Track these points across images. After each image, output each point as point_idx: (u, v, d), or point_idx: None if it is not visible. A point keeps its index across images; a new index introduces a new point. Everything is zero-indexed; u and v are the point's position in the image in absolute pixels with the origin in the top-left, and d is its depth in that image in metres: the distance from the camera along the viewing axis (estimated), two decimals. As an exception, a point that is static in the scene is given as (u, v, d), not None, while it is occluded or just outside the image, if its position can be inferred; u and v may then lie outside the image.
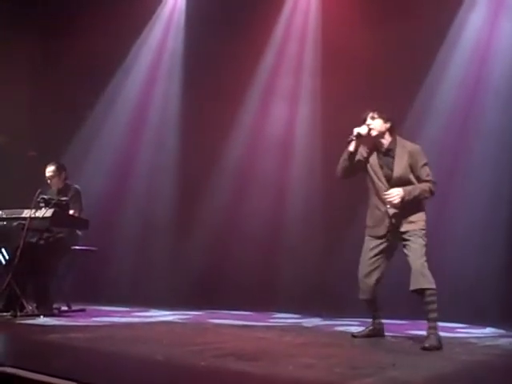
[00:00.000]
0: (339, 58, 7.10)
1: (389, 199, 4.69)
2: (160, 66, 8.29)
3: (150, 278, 7.80)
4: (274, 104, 7.70)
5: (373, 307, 5.07)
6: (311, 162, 7.37)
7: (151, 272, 7.89)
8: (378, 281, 4.91)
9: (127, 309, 6.85)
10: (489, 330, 5.68)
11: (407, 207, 4.74)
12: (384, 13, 6.86)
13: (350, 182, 5.30)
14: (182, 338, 4.89)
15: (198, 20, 7.95)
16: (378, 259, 4.88)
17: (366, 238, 4.95)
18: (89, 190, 6.79)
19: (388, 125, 4.85)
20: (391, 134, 4.88)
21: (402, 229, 4.76)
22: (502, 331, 5.61)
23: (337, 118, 6.84)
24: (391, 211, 4.76)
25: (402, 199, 4.67)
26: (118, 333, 5.08)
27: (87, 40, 7.97)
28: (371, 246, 4.89)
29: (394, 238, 4.82)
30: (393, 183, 4.77)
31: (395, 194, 4.67)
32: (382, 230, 4.84)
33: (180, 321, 6.08)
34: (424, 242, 4.70)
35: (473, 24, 6.71)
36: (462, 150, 6.57)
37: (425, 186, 4.75)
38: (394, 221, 4.77)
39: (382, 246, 4.87)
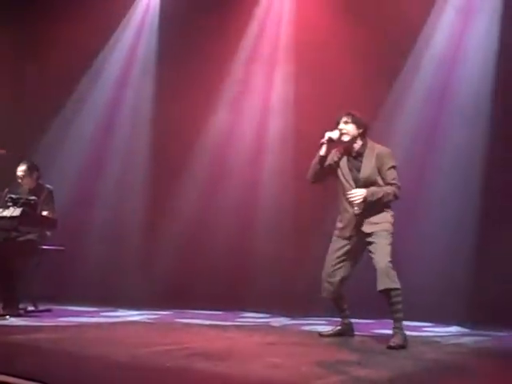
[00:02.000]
0: (312, 61, 7.13)
1: (351, 199, 4.73)
2: (133, 63, 8.23)
3: (118, 278, 7.74)
4: (247, 103, 7.70)
5: (339, 306, 5.11)
6: (283, 163, 7.38)
7: (120, 272, 7.83)
8: (342, 281, 4.94)
9: (95, 309, 6.80)
10: (454, 329, 5.77)
11: (372, 209, 4.78)
12: (357, 16, 6.91)
13: (320, 183, 5.34)
14: (148, 338, 4.87)
15: (171, 18, 7.91)
16: (344, 259, 4.92)
17: (334, 238, 5.00)
18: (59, 188, 6.72)
19: (360, 130, 4.87)
20: (362, 139, 4.90)
21: (367, 230, 4.81)
22: (466, 330, 5.71)
23: (309, 119, 6.87)
24: (356, 210, 4.80)
25: (365, 199, 4.70)
26: (84, 333, 5.04)
27: (58, 37, 7.88)
28: (338, 247, 4.94)
29: (360, 240, 4.86)
30: (359, 185, 4.81)
31: (358, 194, 4.71)
32: (348, 232, 4.89)
33: (148, 321, 6.06)
34: (388, 242, 4.73)
35: (443, 26, 6.78)
36: (431, 151, 6.64)
37: (389, 189, 4.77)
38: (359, 222, 4.81)
39: (347, 247, 4.92)
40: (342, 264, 4.93)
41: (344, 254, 4.92)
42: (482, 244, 6.23)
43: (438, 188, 6.53)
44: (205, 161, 7.72)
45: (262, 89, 7.63)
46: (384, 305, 4.74)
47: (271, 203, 7.39)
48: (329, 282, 4.95)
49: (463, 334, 5.51)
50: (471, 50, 6.62)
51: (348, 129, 4.85)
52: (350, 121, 4.85)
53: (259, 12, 7.73)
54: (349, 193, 4.77)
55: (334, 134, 4.85)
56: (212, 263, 7.40)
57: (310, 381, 3.47)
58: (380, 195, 4.74)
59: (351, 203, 4.81)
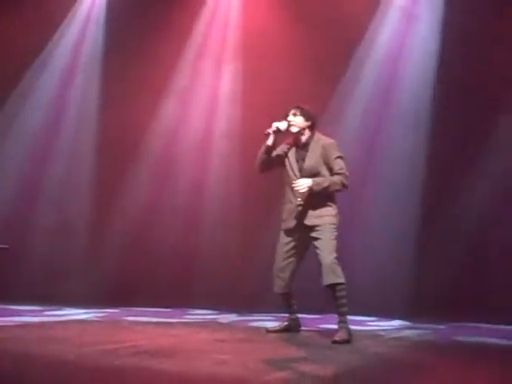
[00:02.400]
0: (259, 58, 7.17)
1: (296, 188, 4.77)
2: (79, 59, 8.08)
3: (63, 276, 7.63)
4: (194, 100, 7.68)
5: (288, 302, 5.16)
6: (229, 161, 7.41)
7: (65, 270, 7.72)
8: (292, 275, 5.01)
9: (39, 308, 6.68)
10: (396, 323, 5.93)
11: (317, 200, 4.82)
12: (302, 15, 6.98)
13: (268, 179, 5.38)
14: (95, 336, 4.83)
15: (118, 12, 7.81)
16: (292, 254, 4.98)
17: (281, 232, 5.04)
18: (2, 185, 6.57)
19: (309, 122, 4.94)
20: (311, 131, 4.97)
21: (312, 223, 4.85)
22: (408, 323, 5.87)
23: (256, 116, 6.89)
24: (299, 203, 4.84)
25: (310, 189, 4.74)
26: (28, 333, 4.95)
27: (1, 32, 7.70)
28: (286, 241, 4.99)
29: (304, 234, 4.90)
30: (303, 175, 4.86)
31: (303, 183, 4.75)
32: (291, 223, 4.93)
33: (94, 319, 5.99)
34: (334, 237, 4.80)
35: (386, 31, 6.92)
36: (373, 158, 6.78)
37: (336, 178, 4.82)
38: (301, 213, 4.84)
39: (294, 242, 4.96)
40: (291, 259, 4.99)
41: (292, 249, 4.98)
42: (423, 241, 6.41)
43: (381, 186, 6.67)
44: (151, 158, 7.68)
45: (210, 85, 7.64)
46: (329, 300, 4.83)
47: (218, 200, 7.41)
48: (280, 277, 5.00)
49: (405, 328, 5.66)
50: (412, 54, 6.79)
51: (296, 121, 4.93)
52: (298, 113, 4.93)
53: (207, 8, 7.72)
54: (294, 182, 4.81)
55: (282, 125, 4.92)
56: (159, 260, 7.37)
57: (258, 377, 3.51)
58: (326, 184, 4.77)
59: (295, 194, 4.86)
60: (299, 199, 4.85)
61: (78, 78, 8.03)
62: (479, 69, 6.31)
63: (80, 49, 8.07)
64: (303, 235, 4.93)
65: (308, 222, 4.86)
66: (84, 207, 7.82)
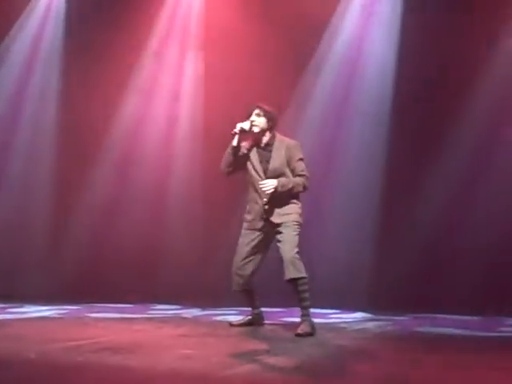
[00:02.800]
0: (221, 54, 7.16)
1: (263, 188, 4.83)
2: (37, 55, 7.93)
3: (24, 273, 7.52)
4: (156, 95, 7.62)
5: (249, 298, 5.18)
6: (192, 155, 7.39)
7: (26, 266, 7.61)
8: (253, 273, 5.03)
9: (0, 305, 6.57)
10: (358, 315, 6.01)
11: (281, 200, 4.89)
12: (266, 9, 6.99)
13: (229, 178, 5.37)
14: (57, 333, 4.79)
15: (78, 7, 7.69)
16: (255, 252, 5.01)
17: (244, 231, 5.05)
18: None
19: (270, 123, 4.99)
20: (271, 131, 5.02)
21: (277, 221, 4.91)
22: (370, 315, 5.96)
23: (219, 112, 6.91)
24: (265, 202, 4.88)
25: (276, 189, 4.81)
26: (-12, 331, 4.88)
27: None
28: (248, 240, 5.00)
29: (270, 231, 4.95)
30: (268, 175, 4.91)
31: (269, 184, 4.81)
32: (259, 223, 4.96)
33: (56, 316, 5.94)
34: (296, 233, 4.86)
35: (346, 27, 6.98)
36: (334, 152, 6.84)
37: (299, 180, 4.92)
38: (268, 212, 4.90)
39: (258, 239, 4.99)
40: (252, 257, 5.01)
41: (255, 247, 5.00)
42: (384, 234, 6.52)
43: (342, 179, 6.75)
44: (112, 156, 7.60)
45: (171, 83, 7.59)
46: (292, 293, 4.87)
47: (181, 195, 7.39)
48: (239, 275, 5.02)
49: (367, 320, 5.75)
50: (371, 54, 6.87)
51: (259, 121, 4.97)
52: (261, 114, 4.97)
53: (168, 4, 7.67)
54: (261, 183, 4.86)
55: (246, 125, 4.96)
56: (121, 256, 7.32)
57: (221, 371, 3.53)
58: (290, 186, 4.86)
59: (261, 194, 4.90)
60: (265, 199, 4.89)
61: (36, 75, 7.88)
62: (439, 67, 6.41)
63: (39, 44, 7.92)
64: (268, 232, 4.96)
65: (275, 219, 4.91)
66: (44, 204, 7.70)
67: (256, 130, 4.97)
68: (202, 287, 6.84)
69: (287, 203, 4.92)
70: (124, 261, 7.30)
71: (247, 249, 5.00)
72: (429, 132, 6.47)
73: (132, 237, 7.37)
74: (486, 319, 5.72)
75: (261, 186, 4.85)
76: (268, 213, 4.91)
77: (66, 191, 7.58)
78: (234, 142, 4.96)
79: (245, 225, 5.07)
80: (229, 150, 4.99)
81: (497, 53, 6.41)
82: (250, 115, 4.98)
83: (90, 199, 7.60)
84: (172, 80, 7.59)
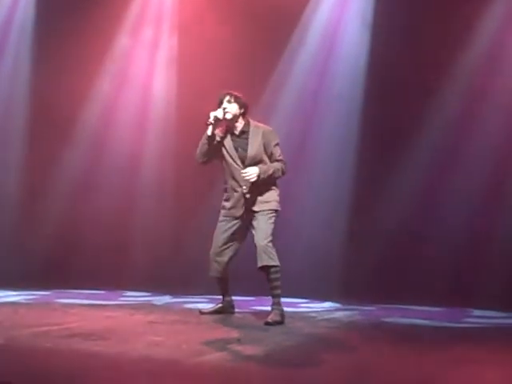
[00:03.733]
0: (195, 42, 7.13)
1: (246, 177, 4.82)
2: (7, 40, 7.78)
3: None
4: (129, 78, 7.56)
5: (224, 285, 5.21)
6: (165, 139, 7.36)
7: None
8: (230, 259, 5.06)
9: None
10: (327, 304, 6.08)
11: (261, 187, 4.91)
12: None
13: (200, 166, 5.35)
14: (25, 319, 4.77)
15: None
16: (233, 239, 5.02)
17: (222, 218, 5.05)
18: None
19: (242, 110, 5.00)
20: (244, 118, 5.04)
21: (257, 209, 4.92)
22: (338, 305, 6.04)
23: (192, 97, 6.89)
24: (245, 191, 4.89)
25: (258, 177, 4.83)
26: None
27: None
28: (226, 227, 5.00)
29: (248, 218, 4.96)
30: (247, 163, 4.91)
31: (252, 172, 4.82)
32: (238, 211, 4.96)
33: (25, 302, 5.90)
34: (271, 221, 4.89)
35: (322, 11, 7.00)
36: (305, 147, 6.88)
37: (278, 165, 4.95)
38: (249, 200, 4.91)
39: (236, 226, 5.00)
40: (230, 243, 5.03)
41: (233, 234, 5.01)
42: (353, 225, 6.59)
43: (313, 175, 6.81)
44: (84, 142, 7.52)
45: (145, 64, 7.52)
46: (263, 282, 4.92)
47: (152, 181, 7.36)
48: (217, 262, 5.03)
49: (336, 310, 5.83)
50: (343, 50, 6.90)
51: (231, 107, 4.97)
52: (232, 100, 4.98)
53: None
54: (242, 171, 4.85)
55: (219, 113, 4.94)
56: (91, 241, 7.28)
57: (191, 358, 3.57)
58: (270, 172, 4.89)
59: (240, 182, 4.90)
60: (244, 187, 4.90)
61: (7, 59, 7.74)
62: (410, 66, 6.46)
63: (9, 29, 7.77)
64: (246, 220, 4.98)
65: (255, 207, 4.92)
66: (12, 189, 7.60)
67: (229, 116, 4.97)
68: (173, 274, 6.84)
69: (266, 190, 4.94)
70: (94, 247, 7.26)
71: (225, 235, 5.01)
72: (399, 131, 6.54)
73: (102, 223, 7.32)
74: (451, 310, 5.84)
75: (243, 174, 4.83)
76: (249, 201, 4.91)
77: (34, 177, 7.48)
78: (209, 132, 4.95)
79: (223, 212, 5.06)
80: (203, 140, 4.97)
81: (469, 51, 6.49)
82: (221, 103, 4.98)
83: (59, 185, 7.53)
84: (145, 64, 7.51)
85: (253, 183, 4.85)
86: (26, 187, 7.56)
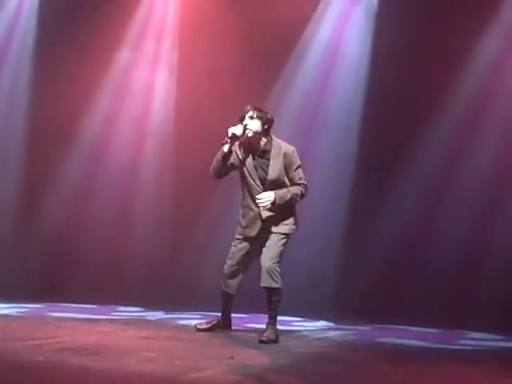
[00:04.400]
0: (195, 55, 7.14)
1: (260, 204, 4.72)
2: (9, 48, 7.80)
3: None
4: (129, 88, 7.57)
5: (230, 303, 5.11)
6: (164, 153, 7.33)
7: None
8: (243, 278, 4.99)
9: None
10: (321, 323, 6.06)
11: (279, 210, 4.78)
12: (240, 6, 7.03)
13: (204, 174, 5.21)
14: (18, 332, 4.72)
15: (51, 1, 7.61)
16: (247, 259, 4.94)
17: (237, 236, 4.94)
18: None
19: (266, 126, 4.80)
20: (267, 136, 4.86)
21: (274, 230, 4.82)
22: (332, 324, 6.01)
23: (192, 107, 6.89)
24: (264, 213, 4.79)
25: (273, 203, 4.71)
26: None
27: None
28: (241, 247, 4.91)
29: (263, 237, 4.85)
30: (267, 185, 4.78)
31: (266, 199, 4.70)
32: (253, 231, 4.86)
33: (17, 314, 5.85)
34: (282, 243, 4.79)
35: (324, 25, 7.05)
36: (307, 146, 6.86)
37: (297, 189, 4.81)
38: (265, 222, 4.81)
39: (251, 246, 4.91)
40: (244, 263, 4.95)
41: (247, 254, 4.93)
42: (348, 245, 6.58)
43: (311, 187, 6.80)
44: (83, 153, 7.51)
45: (146, 74, 7.53)
46: (258, 300, 4.89)
47: (150, 195, 7.34)
48: (233, 278, 4.93)
49: (329, 329, 5.80)
50: (344, 60, 6.94)
51: (253, 124, 4.77)
52: (255, 116, 4.78)
53: (145, 1, 7.64)
54: (257, 197, 4.73)
55: (238, 130, 4.74)
56: (86, 256, 7.25)
57: (184, 375, 3.54)
58: (288, 197, 4.76)
59: (256, 202, 4.79)
60: (262, 213, 4.78)
61: (8, 70, 7.76)
62: (410, 74, 6.50)
63: (10, 42, 7.79)
64: (261, 241, 4.87)
65: (272, 229, 4.82)
66: (9, 201, 7.57)
67: (250, 134, 4.77)
68: (167, 290, 6.81)
69: (283, 212, 4.81)
70: (88, 261, 7.22)
71: (240, 255, 4.91)
72: (399, 137, 6.55)
73: (97, 237, 7.30)
74: (446, 332, 5.82)
75: (257, 201, 4.72)
76: (265, 224, 4.81)
77: (31, 188, 7.46)
78: (225, 149, 4.75)
79: (238, 229, 4.95)
80: (219, 156, 4.79)
81: (471, 61, 6.53)
82: (243, 118, 4.77)
83: (56, 198, 7.50)
84: (146, 73, 7.53)
85: (269, 209, 4.73)
86: (23, 199, 7.53)
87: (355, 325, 5.91)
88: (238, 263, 4.93)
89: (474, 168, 6.41)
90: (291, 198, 4.78)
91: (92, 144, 7.52)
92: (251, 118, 4.78)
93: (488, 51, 6.48)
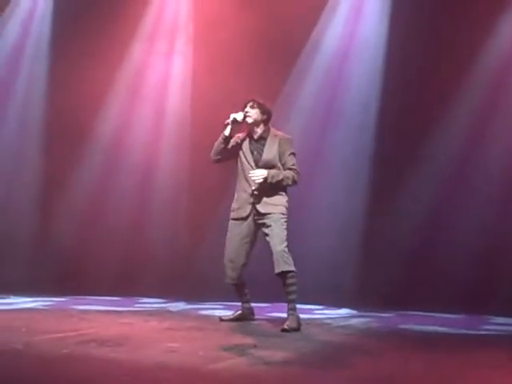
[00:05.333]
0: (208, 54, 7.15)
1: (252, 177, 4.88)
2: (24, 52, 7.83)
3: (10, 263, 7.48)
4: (144, 89, 7.59)
5: (241, 291, 5.19)
6: (180, 146, 7.38)
7: (12, 257, 7.57)
8: (244, 265, 5.05)
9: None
10: (343, 311, 6.06)
11: (270, 190, 4.93)
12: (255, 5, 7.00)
13: (217, 168, 5.42)
14: (43, 325, 4.77)
15: (65, 3, 7.63)
16: (244, 244, 5.02)
17: (231, 222, 5.08)
18: None
19: (264, 116, 5.06)
20: (265, 124, 5.09)
21: (263, 210, 4.93)
22: (354, 312, 6.00)
23: (206, 104, 6.91)
24: (255, 191, 4.91)
25: (265, 180, 4.86)
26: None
27: None
28: (237, 231, 5.02)
29: (255, 221, 4.98)
30: (260, 166, 4.96)
31: (259, 174, 4.87)
32: (245, 212, 4.99)
33: (42, 308, 5.92)
34: (284, 226, 4.90)
35: (335, 25, 7.00)
36: (321, 151, 6.87)
37: (289, 173, 4.97)
38: (256, 202, 4.93)
39: (246, 230, 5.01)
40: (242, 248, 5.02)
41: (243, 238, 5.02)
42: (370, 231, 6.56)
43: (328, 181, 6.78)
44: (100, 147, 7.56)
45: (160, 74, 7.57)
46: (278, 288, 4.89)
47: (167, 186, 7.39)
48: (232, 268, 5.02)
49: (352, 316, 5.79)
50: (359, 54, 6.89)
51: (253, 113, 5.02)
52: (255, 106, 5.04)
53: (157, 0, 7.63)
54: (251, 172, 4.90)
55: (239, 116, 5.01)
56: (108, 249, 7.31)
57: (207, 365, 3.55)
58: (280, 178, 4.91)
59: (250, 183, 4.93)
60: (253, 187, 4.92)
61: (23, 72, 7.79)
62: (425, 68, 6.44)
63: (25, 42, 7.81)
64: (254, 223, 5.00)
65: (261, 209, 4.94)
66: (30, 198, 7.64)
67: (249, 120, 5.02)
68: (188, 281, 6.84)
69: (275, 194, 4.96)
70: (110, 254, 7.28)
71: (236, 239, 5.01)
72: (414, 137, 6.51)
73: (118, 230, 7.36)
74: (469, 317, 5.78)
75: (250, 174, 4.90)
76: (255, 202, 4.94)
77: (52, 185, 7.53)
78: (226, 132, 5.02)
79: (232, 214, 5.09)
80: (220, 138, 5.05)
81: (484, 57, 6.45)
82: (245, 107, 5.05)
83: (77, 193, 7.57)
84: (160, 72, 7.56)
85: (261, 185, 4.87)
86: (44, 198, 7.60)
87: (378, 312, 5.90)
88: (235, 249, 5.00)
89: (491, 158, 6.35)
90: (282, 180, 4.93)
91: (108, 142, 7.57)
92: (252, 107, 5.05)
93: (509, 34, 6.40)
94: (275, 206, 4.94)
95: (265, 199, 4.94)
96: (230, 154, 5.07)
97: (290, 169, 4.98)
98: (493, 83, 6.44)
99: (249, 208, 4.97)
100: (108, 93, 7.50)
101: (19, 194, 7.70)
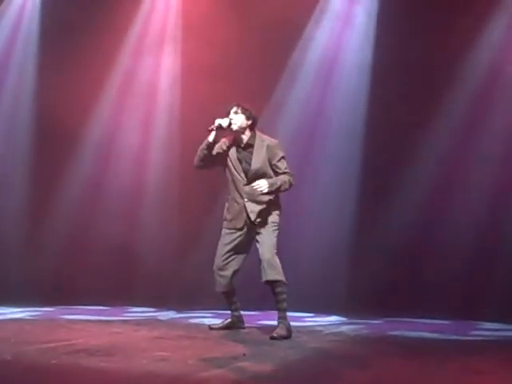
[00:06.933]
0: (199, 47, 7.15)
1: (258, 189, 4.78)
2: (12, 51, 7.82)
3: (-3, 274, 7.43)
4: (133, 88, 7.58)
5: (230, 300, 5.16)
6: (169, 153, 7.37)
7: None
8: (234, 273, 5.01)
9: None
10: (333, 318, 6.06)
11: (264, 199, 4.89)
12: (242, 10, 7.02)
13: (209, 173, 5.34)
14: (31, 335, 4.74)
15: (53, 4, 7.62)
16: (235, 252, 4.98)
17: (224, 230, 5.03)
18: None
19: (249, 122, 4.96)
20: (251, 130, 5.00)
21: (258, 220, 4.89)
22: (344, 319, 6.01)
23: (196, 106, 6.90)
24: (249, 204, 4.88)
25: (269, 189, 4.79)
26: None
27: None
28: (229, 240, 4.98)
29: (250, 231, 4.94)
30: (250, 176, 4.89)
31: (263, 184, 4.78)
32: (240, 223, 4.94)
33: (30, 318, 5.88)
34: (275, 235, 4.88)
35: (324, 24, 7.04)
36: (312, 145, 6.89)
37: (285, 177, 4.90)
38: (251, 213, 4.89)
39: (239, 239, 4.97)
40: (233, 257, 4.99)
41: (235, 247, 4.98)
42: (359, 239, 6.58)
43: (317, 188, 6.81)
44: (88, 159, 7.53)
45: (149, 74, 7.55)
46: (268, 296, 4.89)
47: (157, 195, 7.37)
48: (221, 276, 4.99)
49: (342, 323, 5.80)
50: (347, 60, 6.92)
51: (237, 119, 4.94)
52: (239, 111, 4.94)
53: (147, 1, 7.64)
54: (254, 185, 4.80)
55: (224, 122, 4.92)
56: (97, 259, 7.27)
57: (197, 373, 3.54)
58: (278, 184, 4.85)
59: (242, 194, 4.88)
60: (246, 199, 4.89)
61: (12, 72, 7.77)
62: (412, 79, 6.49)
63: (14, 41, 7.79)
64: (248, 233, 4.96)
65: (258, 220, 4.89)
66: (19, 204, 7.59)
67: (235, 127, 4.93)
68: (178, 290, 6.82)
69: (269, 203, 4.91)
70: (99, 263, 7.25)
71: (228, 248, 4.97)
72: (403, 142, 6.55)
73: (107, 238, 7.32)
74: (459, 323, 5.80)
75: (255, 187, 4.79)
76: (251, 214, 4.88)
77: (42, 191, 7.49)
78: (210, 138, 4.92)
79: (225, 223, 5.04)
80: (203, 145, 4.95)
81: (472, 62, 6.51)
82: (229, 113, 4.96)
83: (66, 201, 7.53)
84: (149, 74, 7.54)
85: (256, 195, 4.81)
86: (33, 204, 7.56)
87: (367, 319, 5.91)
88: (226, 258, 4.96)
89: (485, 153, 6.38)
90: (281, 186, 4.87)
91: (99, 142, 7.53)
92: (235, 113, 4.97)
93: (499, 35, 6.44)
94: (269, 215, 4.90)
95: (259, 209, 4.88)
96: (214, 160, 4.99)
97: (284, 173, 4.91)
98: (484, 86, 6.49)
99: (243, 220, 4.92)
100: (98, 93, 7.48)
101: (7, 200, 7.62)
